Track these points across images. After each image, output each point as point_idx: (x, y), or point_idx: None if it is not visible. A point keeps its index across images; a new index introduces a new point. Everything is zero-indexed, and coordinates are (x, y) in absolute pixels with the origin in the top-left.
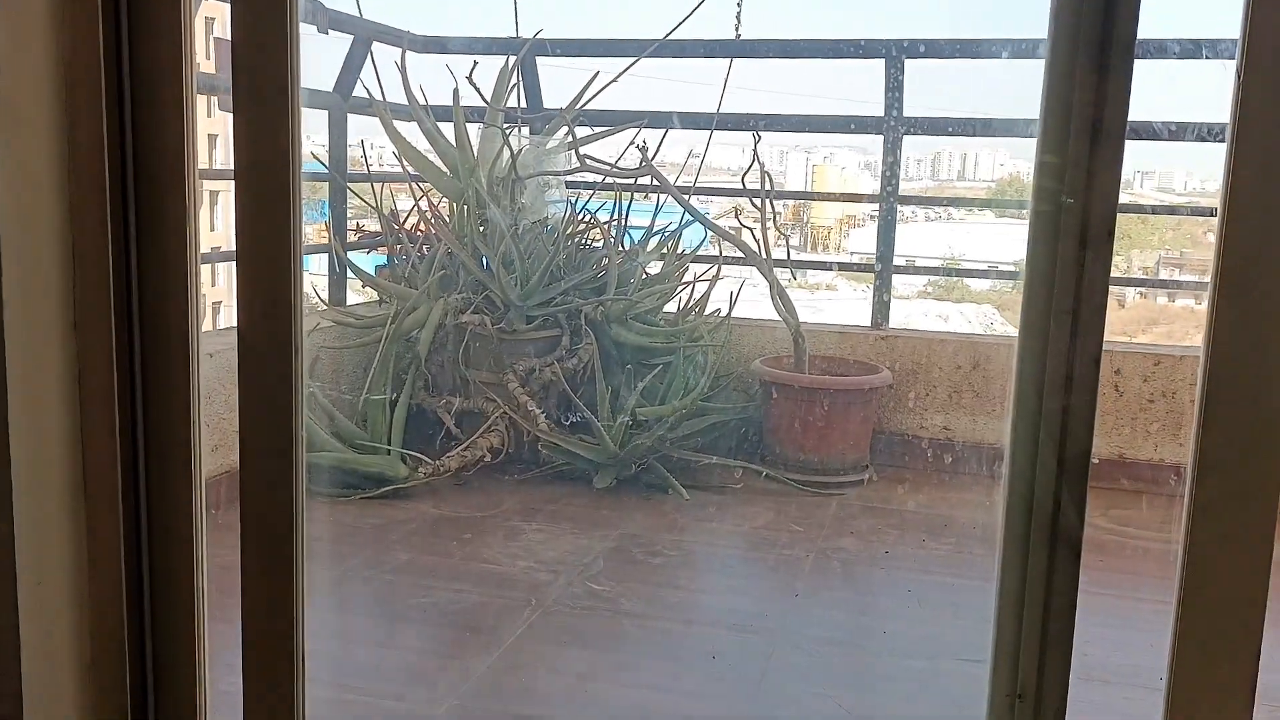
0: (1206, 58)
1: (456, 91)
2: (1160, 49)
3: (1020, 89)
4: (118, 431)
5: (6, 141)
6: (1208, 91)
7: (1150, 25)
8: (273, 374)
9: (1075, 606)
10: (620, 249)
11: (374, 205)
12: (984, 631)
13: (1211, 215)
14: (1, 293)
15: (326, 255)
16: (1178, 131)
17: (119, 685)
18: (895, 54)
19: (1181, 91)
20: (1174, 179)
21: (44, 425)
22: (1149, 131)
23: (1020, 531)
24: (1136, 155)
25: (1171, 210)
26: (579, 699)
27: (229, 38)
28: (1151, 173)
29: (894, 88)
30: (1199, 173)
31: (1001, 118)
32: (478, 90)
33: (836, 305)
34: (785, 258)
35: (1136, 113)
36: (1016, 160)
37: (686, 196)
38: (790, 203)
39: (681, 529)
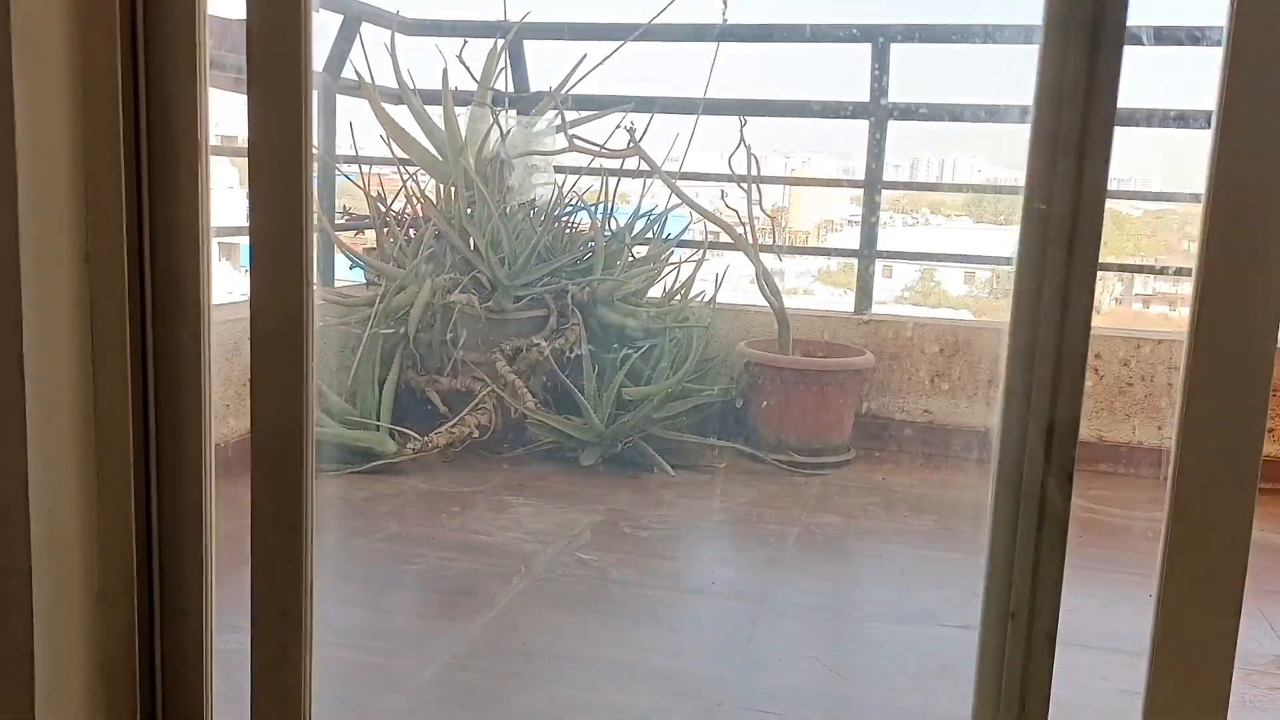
0: (1179, 44)
1: (445, 72)
2: (1135, 38)
3: (1004, 74)
4: (129, 378)
5: (26, 78)
6: (1181, 78)
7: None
8: (285, 347)
9: (1061, 578)
10: (607, 231)
11: (361, 186)
12: (965, 600)
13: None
14: (18, 227)
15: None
16: (1154, 118)
17: (127, 652)
18: (881, 39)
19: (1159, 77)
20: (1151, 182)
21: (56, 363)
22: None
23: (1009, 506)
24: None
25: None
26: (571, 658)
27: (226, 16)
28: (1129, 179)
29: (880, 72)
30: (1174, 163)
31: (983, 104)
32: (467, 69)
33: (816, 298)
34: (771, 242)
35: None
36: (995, 166)
37: (673, 180)
38: (769, 207)
39: (667, 505)
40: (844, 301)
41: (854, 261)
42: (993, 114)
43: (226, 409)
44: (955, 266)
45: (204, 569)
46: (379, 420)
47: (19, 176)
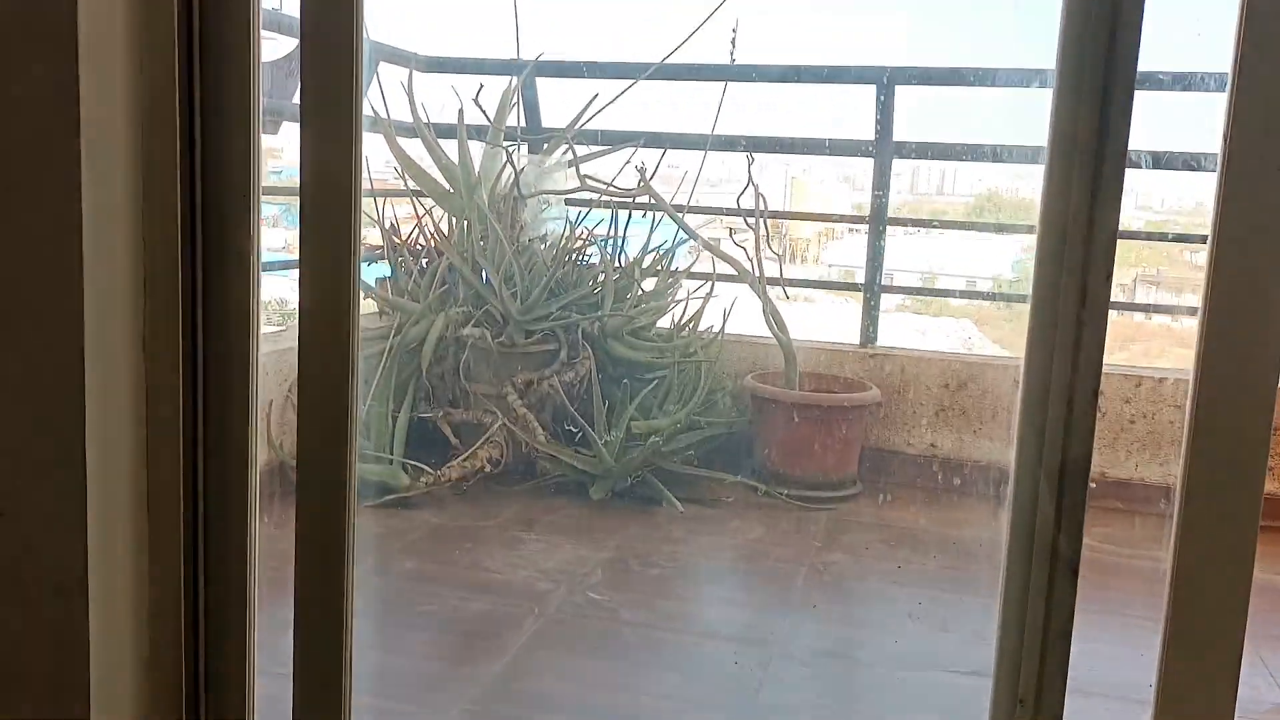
0: (1182, 90)
1: (461, 112)
2: (1150, 81)
3: (1007, 116)
4: (181, 440)
5: (91, 165)
6: (1185, 122)
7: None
8: (330, 380)
9: (1072, 623)
10: (616, 265)
11: (375, 219)
12: (973, 645)
13: (1193, 241)
14: (83, 314)
15: None
16: (1161, 160)
17: (175, 684)
18: (886, 80)
19: (1165, 121)
20: (1152, 197)
21: (114, 434)
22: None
23: (1023, 551)
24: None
25: (1161, 235)
26: (586, 707)
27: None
28: (1130, 190)
29: (885, 113)
30: (1176, 191)
31: (989, 144)
32: (484, 112)
33: (815, 316)
34: (778, 276)
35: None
36: (996, 175)
37: (682, 214)
38: (763, 199)
39: (676, 541)
40: (844, 309)
41: (853, 269)
42: (995, 154)
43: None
44: (957, 277)
45: (246, 639)
46: (392, 453)
47: (84, 270)
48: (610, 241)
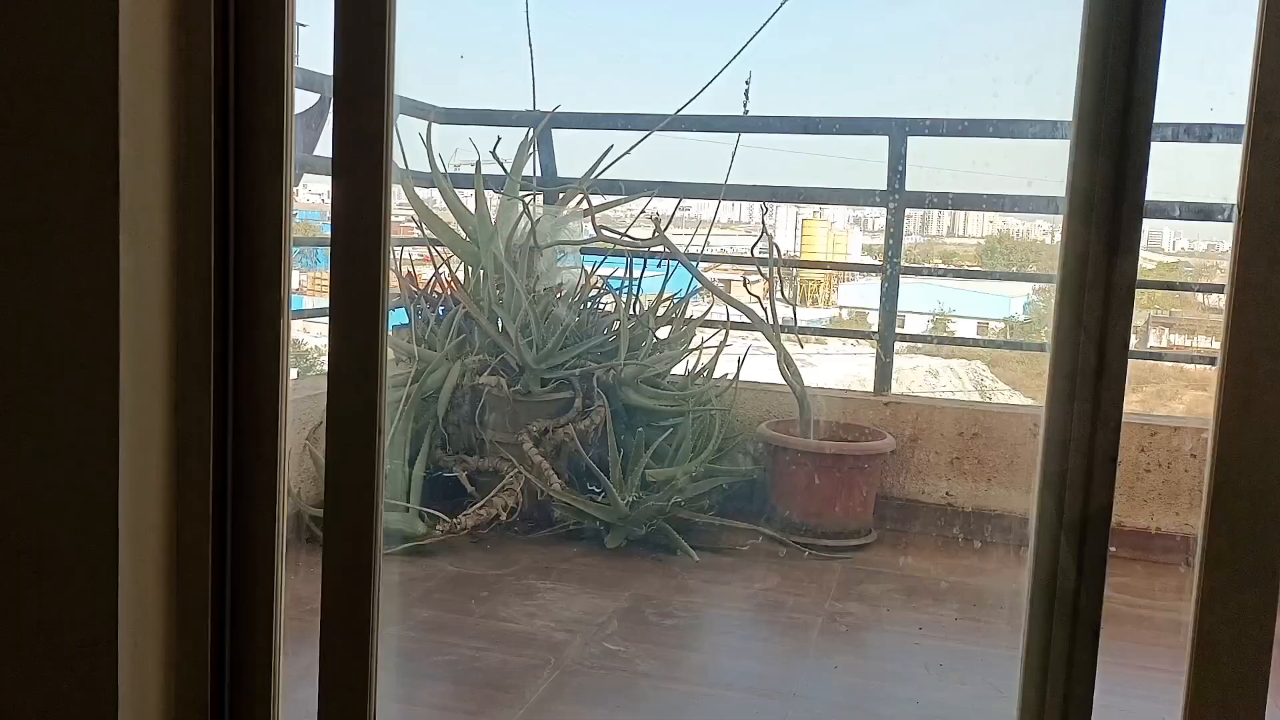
0: (1193, 141)
1: (479, 163)
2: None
3: (1016, 166)
4: (210, 496)
5: (130, 248)
6: (1195, 171)
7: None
8: (359, 428)
9: (1094, 684)
10: (631, 314)
11: (393, 268)
12: (992, 699)
13: (1213, 292)
14: (119, 380)
15: None
16: (1168, 210)
17: None
18: (898, 131)
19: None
20: (1163, 238)
21: (145, 491)
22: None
23: (1044, 609)
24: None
25: (1185, 286)
26: None
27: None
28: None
29: (897, 164)
30: (1187, 232)
31: (999, 193)
32: (502, 165)
33: (828, 359)
34: (792, 324)
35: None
36: (1005, 217)
37: (695, 263)
38: (777, 249)
39: (691, 591)
40: (858, 353)
41: (865, 310)
42: (1015, 204)
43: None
44: (969, 319)
45: (271, 693)
46: (409, 501)
47: (121, 332)
48: (625, 290)
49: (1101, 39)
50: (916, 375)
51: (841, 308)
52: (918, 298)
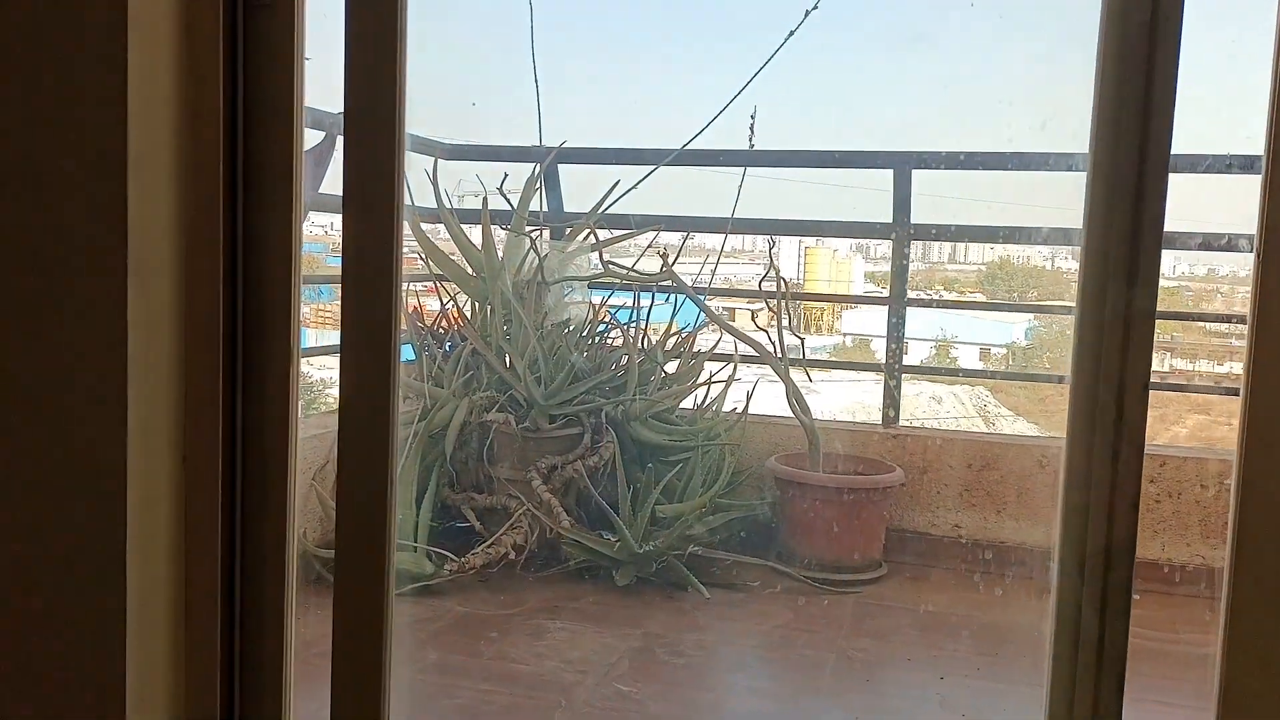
0: (1202, 172)
1: (485, 199)
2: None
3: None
4: (219, 548)
5: (138, 296)
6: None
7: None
8: (370, 467)
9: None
10: (640, 349)
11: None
12: None
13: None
14: (127, 433)
15: None
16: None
17: None
18: (903, 165)
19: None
20: (1164, 263)
21: (154, 544)
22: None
23: (1068, 655)
24: None
25: (1201, 316)
26: None
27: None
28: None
29: (902, 197)
30: (1186, 259)
31: (1006, 225)
32: (509, 201)
33: (833, 385)
34: (800, 357)
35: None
36: (1006, 244)
37: (703, 296)
38: (785, 283)
39: (703, 628)
40: (863, 381)
41: (870, 337)
42: (1019, 235)
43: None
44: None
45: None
46: (416, 540)
47: (129, 388)
48: (633, 324)
49: (1116, 76)
50: (920, 401)
51: (845, 334)
52: (921, 323)
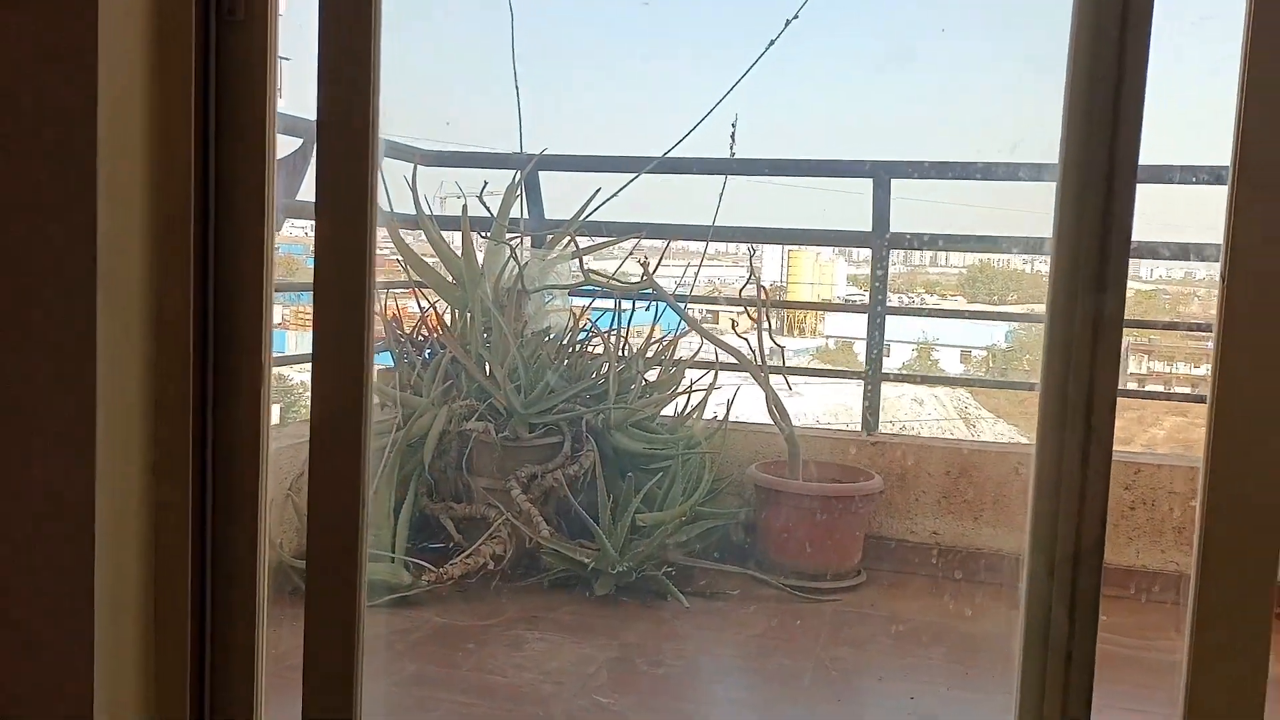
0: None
1: (465, 206)
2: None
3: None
4: (189, 564)
5: (108, 307)
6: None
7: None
8: (342, 477)
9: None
10: (620, 356)
11: (378, 312)
12: None
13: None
14: (96, 442)
15: None
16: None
17: None
18: (882, 174)
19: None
20: (1140, 268)
21: (123, 558)
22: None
23: (1037, 661)
24: None
25: (1170, 325)
26: None
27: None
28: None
29: (881, 206)
30: (1164, 262)
31: (980, 234)
32: (488, 209)
33: (815, 387)
34: (781, 364)
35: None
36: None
37: (684, 304)
38: (768, 285)
39: (682, 637)
40: (841, 383)
41: (852, 339)
42: (996, 244)
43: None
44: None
45: None
46: (394, 551)
47: (99, 401)
48: (614, 331)
49: (1086, 93)
50: (902, 403)
51: (828, 337)
52: (903, 326)
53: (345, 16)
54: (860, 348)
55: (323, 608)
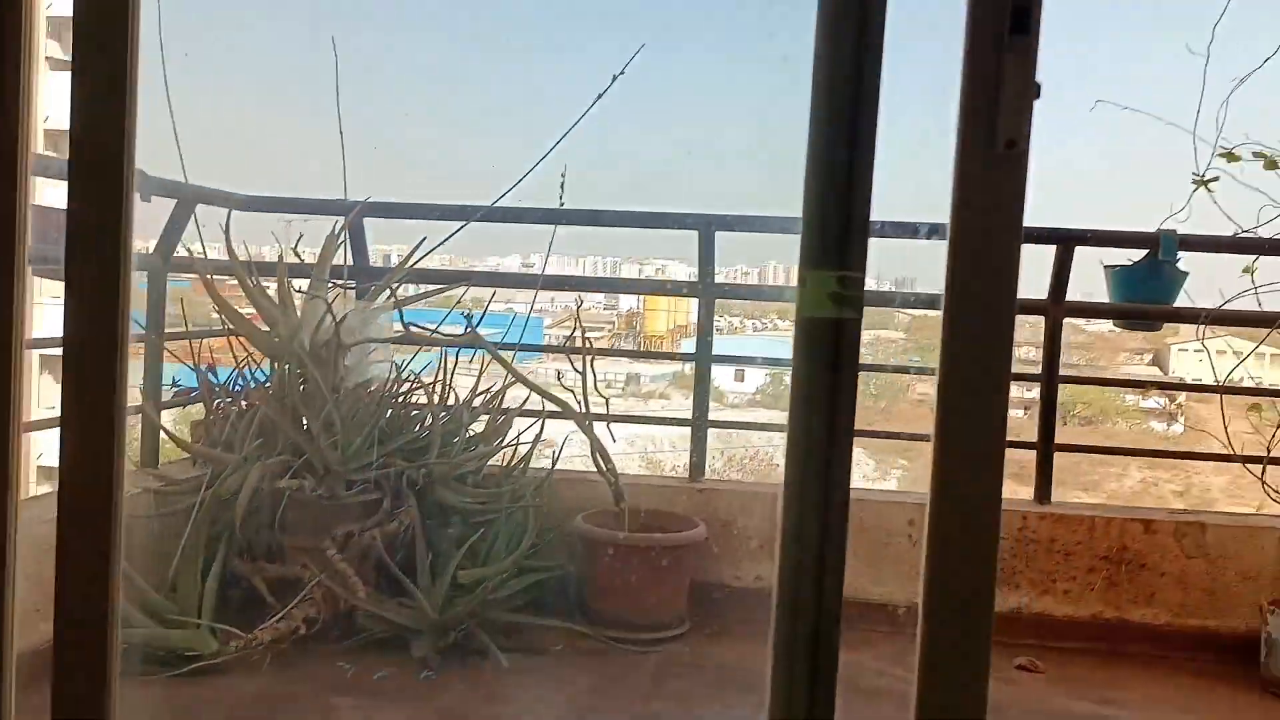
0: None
1: (281, 257)
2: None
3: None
4: None
5: None
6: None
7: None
8: (90, 544)
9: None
10: (445, 408)
11: (191, 365)
12: None
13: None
14: None
15: (140, 416)
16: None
17: None
18: (706, 226)
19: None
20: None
21: None
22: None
23: (786, 668)
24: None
25: (903, 369)
26: None
27: (45, 204)
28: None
29: (706, 256)
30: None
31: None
32: (300, 258)
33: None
34: (605, 413)
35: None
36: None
37: (509, 356)
38: (624, 311)
39: (500, 699)
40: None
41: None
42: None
43: (37, 612)
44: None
45: None
46: (200, 615)
47: None
48: (437, 384)
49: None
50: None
51: (685, 361)
52: (754, 351)
53: (100, 51)
54: (718, 370)
55: (69, 687)
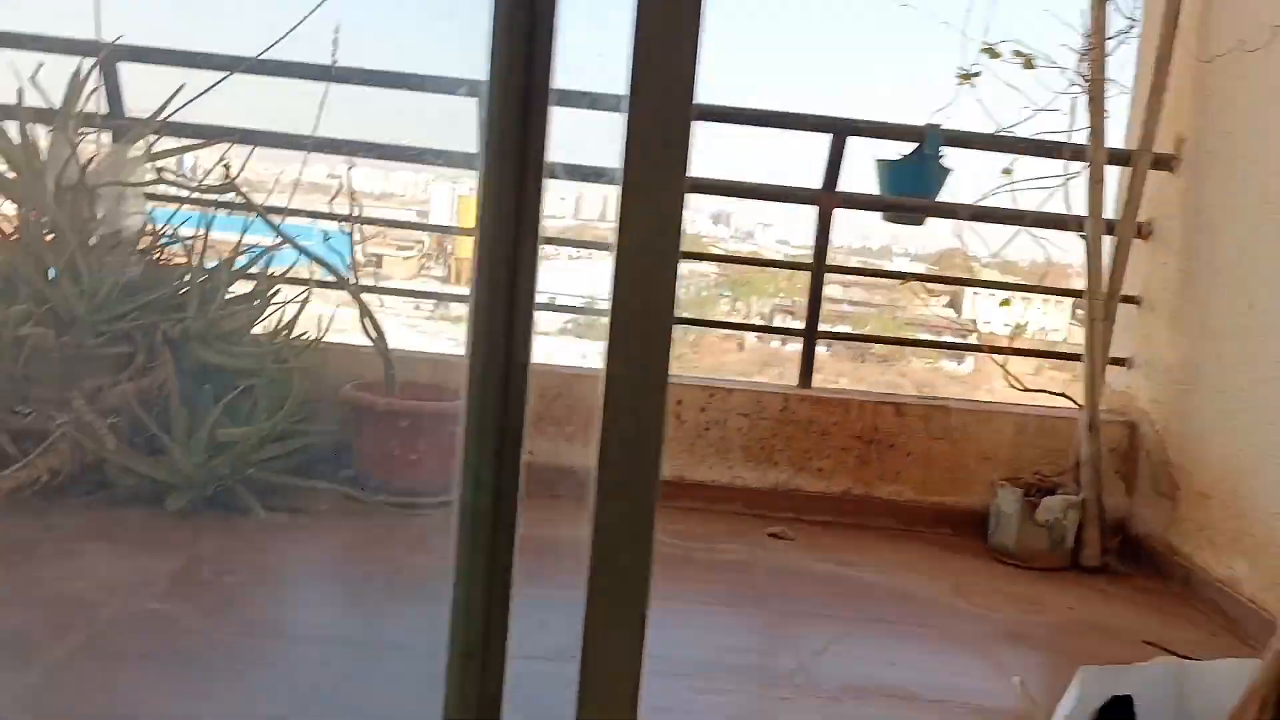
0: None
1: (21, 91)
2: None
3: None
4: None
5: None
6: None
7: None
8: None
9: (510, 585)
10: (203, 266)
11: None
12: (538, 633)
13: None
14: None
15: None
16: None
17: None
18: (471, 91)
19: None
20: (794, 232)
21: None
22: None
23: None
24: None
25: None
26: (123, 716)
27: None
28: (771, 224)
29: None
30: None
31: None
32: (41, 92)
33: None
34: (372, 284)
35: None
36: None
37: (278, 218)
38: (360, 207)
39: (257, 549)
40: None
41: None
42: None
43: None
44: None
45: None
46: None
47: None
48: (197, 238)
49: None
50: (570, 358)
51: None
52: (571, 280)
53: None
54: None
55: None
